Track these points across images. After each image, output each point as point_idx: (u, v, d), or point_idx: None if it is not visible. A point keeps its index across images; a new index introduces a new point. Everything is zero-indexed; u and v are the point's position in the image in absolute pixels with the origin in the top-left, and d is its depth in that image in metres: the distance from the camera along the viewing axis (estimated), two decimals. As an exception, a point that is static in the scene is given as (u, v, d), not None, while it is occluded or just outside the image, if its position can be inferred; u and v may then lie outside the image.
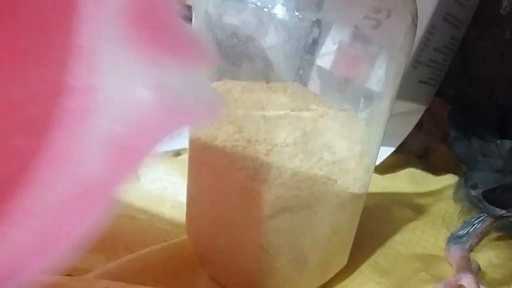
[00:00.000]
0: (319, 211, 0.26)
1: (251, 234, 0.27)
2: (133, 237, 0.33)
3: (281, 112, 0.26)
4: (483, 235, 0.34)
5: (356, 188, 0.27)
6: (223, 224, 0.28)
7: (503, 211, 0.33)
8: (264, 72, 0.26)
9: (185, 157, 0.41)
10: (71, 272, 0.29)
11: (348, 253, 0.31)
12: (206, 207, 0.29)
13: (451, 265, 0.33)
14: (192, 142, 0.29)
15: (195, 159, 0.28)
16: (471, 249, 0.34)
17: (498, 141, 0.32)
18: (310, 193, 0.25)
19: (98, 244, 0.32)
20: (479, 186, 0.33)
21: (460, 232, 0.34)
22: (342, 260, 0.31)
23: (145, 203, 0.37)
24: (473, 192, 0.34)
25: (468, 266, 0.32)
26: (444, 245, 0.35)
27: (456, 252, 0.33)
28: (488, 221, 0.34)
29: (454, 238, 0.34)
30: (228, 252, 0.29)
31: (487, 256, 0.34)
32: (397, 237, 0.36)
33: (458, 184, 0.36)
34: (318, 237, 0.28)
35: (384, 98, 0.25)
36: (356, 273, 0.33)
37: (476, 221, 0.34)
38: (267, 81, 0.27)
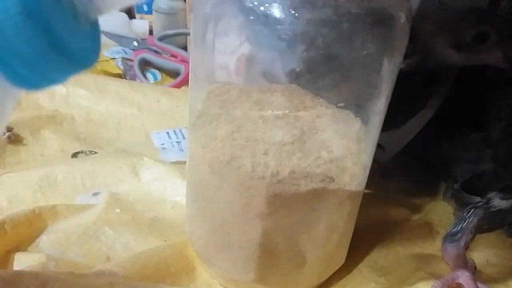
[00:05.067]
0: (316, 208, 0.27)
1: (250, 231, 0.27)
2: (133, 237, 0.33)
3: (279, 112, 0.27)
4: (476, 230, 0.35)
5: (353, 186, 0.27)
6: (222, 222, 0.28)
7: (478, 198, 0.34)
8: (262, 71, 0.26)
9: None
10: (73, 271, 0.29)
11: (346, 251, 0.32)
12: (205, 206, 0.29)
13: (448, 264, 0.34)
14: (191, 141, 0.29)
15: (194, 158, 0.29)
16: (466, 247, 0.34)
17: (471, 134, 0.34)
18: (307, 190, 0.25)
19: (99, 243, 0.33)
20: (458, 178, 0.34)
21: (454, 230, 0.34)
22: (340, 258, 0.32)
23: (145, 203, 0.37)
24: (455, 186, 0.35)
25: (465, 264, 0.33)
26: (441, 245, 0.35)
27: (451, 251, 0.34)
28: (478, 214, 0.34)
29: (449, 237, 0.34)
30: (227, 250, 0.29)
31: (485, 255, 0.35)
32: (396, 237, 0.36)
33: (446, 184, 0.37)
34: (316, 235, 0.28)
35: (380, 96, 0.26)
36: (355, 272, 0.33)
37: (467, 215, 0.34)
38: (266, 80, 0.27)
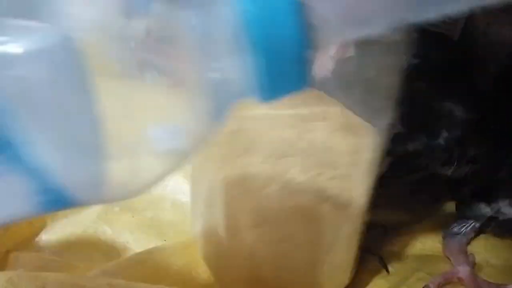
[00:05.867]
0: (309, 227, 0.26)
1: (239, 242, 0.27)
2: (133, 237, 0.33)
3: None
4: (480, 227, 0.35)
5: (356, 207, 0.26)
6: (220, 227, 0.28)
7: (488, 209, 0.33)
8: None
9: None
10: (72, 270, 0.29)
11: (348, 275, 0.31)
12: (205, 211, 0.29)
13: (449, 259, 0.34)
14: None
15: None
16: (468, 242, 0.34)
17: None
18: (295, 206, 0.25)
19: (99, 242, 0.33)
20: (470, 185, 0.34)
21: (456, 225, 0.34)
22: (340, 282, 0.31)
23: (144, 201, 0.37)
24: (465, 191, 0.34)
25: (466, 259, 0.33)
26: (440, 246, 0.35)
27: (453, 246, 0.34)
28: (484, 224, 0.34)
29: (450, 231, 0.34)
30: (224, 257, 0.29)
31: (485, 257, 0.35)
32: (395, 239, 0.36)
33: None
34: (309, 252, 0.27)
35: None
36: (356, 275, 0.33)
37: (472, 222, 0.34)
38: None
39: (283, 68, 0.12)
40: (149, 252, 0.31)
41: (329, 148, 0.26)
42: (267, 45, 0.12)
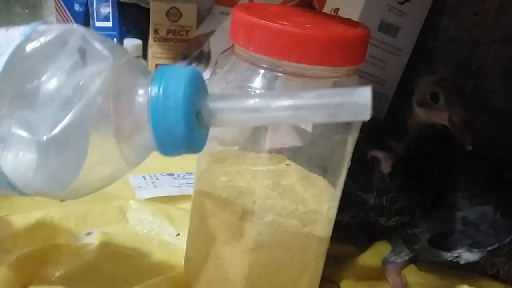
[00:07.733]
0: (291, 249, 0.34)
1: (237, 264, 0.34)
2: (130, 271, 0.39)
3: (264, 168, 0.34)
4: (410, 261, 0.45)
5: (322, 233, 0.35)
6: (215, 258, 0.35)
7: (448, 254, 0.40)
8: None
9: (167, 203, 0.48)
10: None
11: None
12: (202, 244, 0.36)
13: (388, 281, 0.43)
14: (195, 191, 0.36)
15: (196, 205, 0.35)
16: (402, 267, 0.44)
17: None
18: (285, 233, 0.33)
19: (100, 277, 0.38)
20: (422, 235, 0.42)
21: (392, 258, 0.44)
22: None
23: (134, 242, 0.43)
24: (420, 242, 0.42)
25: (400, 280, 0.43)
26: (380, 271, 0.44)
27: (391, 270, 0.43)
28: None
29: (388, 261, 0.44)
30: (217, 283, 0.35)
31: (415, 279, 0.44)
32: (344, 267, 0.44)
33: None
34: (290, 271, 0.35)
35: (345, 164, 0.34)
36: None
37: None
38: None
39: (174, 140, 0.23)
40: (147, 285, 0.36)
41: (296, 192, 0.34)
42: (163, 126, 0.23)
